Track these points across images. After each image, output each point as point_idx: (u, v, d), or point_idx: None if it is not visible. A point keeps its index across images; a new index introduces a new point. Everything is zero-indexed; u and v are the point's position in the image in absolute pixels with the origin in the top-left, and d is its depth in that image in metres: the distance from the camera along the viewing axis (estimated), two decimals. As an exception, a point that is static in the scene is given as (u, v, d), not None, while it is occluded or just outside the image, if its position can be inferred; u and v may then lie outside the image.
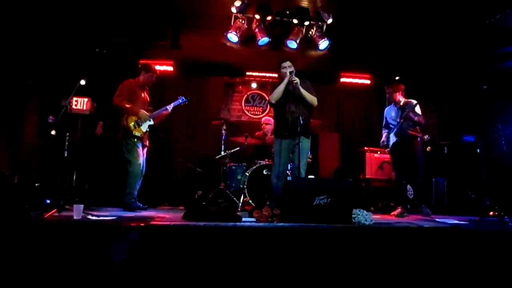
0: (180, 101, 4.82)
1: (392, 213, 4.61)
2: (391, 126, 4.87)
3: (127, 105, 4.39)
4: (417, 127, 4.74)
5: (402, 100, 4.77)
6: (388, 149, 4.98)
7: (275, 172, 4.04)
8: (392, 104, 4.90)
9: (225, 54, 6.11)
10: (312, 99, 4.12)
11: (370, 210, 4.26)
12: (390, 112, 4.93)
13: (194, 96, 7.04)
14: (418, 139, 4.76)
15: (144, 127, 4.48)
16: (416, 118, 4.55)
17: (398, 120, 4.70)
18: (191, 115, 6.91)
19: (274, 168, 4.07)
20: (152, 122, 4.56)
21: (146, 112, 4.49)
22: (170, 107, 4.67)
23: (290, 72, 4.04)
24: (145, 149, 4.62)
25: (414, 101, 4.66)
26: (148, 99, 4.75)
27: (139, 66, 4.95)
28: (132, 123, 4.40)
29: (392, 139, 4.79)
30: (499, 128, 4.21)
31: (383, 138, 5.00)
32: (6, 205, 2.72)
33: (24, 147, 5.72)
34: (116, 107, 4.40)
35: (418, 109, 4.67)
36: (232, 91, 7.30)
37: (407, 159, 4.68)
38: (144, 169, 4.52)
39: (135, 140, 4.39)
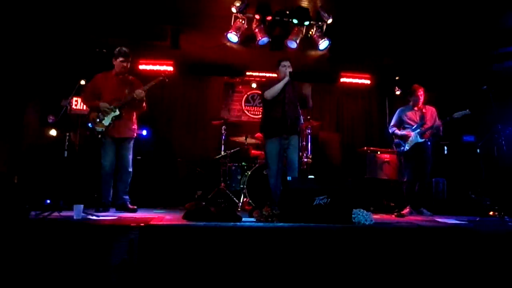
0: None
1: (401, 212, 4.64)
2: (406, 126, 4.87)
3: (87, 103, 4.22)
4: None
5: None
6: (402, 149, 4.87)
7: (272, 172, 4.03)
8: (411, 104, 4.91)
9: (225, 54, 6.10)
10: (309, 100, 4.16)
11: (370, 210, 4.26)
12: (407, 113, 4.91)
13: (194, 96, 7.07)
14: (429, 142, 4.87)
15: (107, 121, 4.11)
16: (441, 134, 4.84)
17: (421, 122, 4.77)
18: (191, 115, 6.91)
19: (271, 168, 4.06)
20: (117, 113, 4.12)
21: (106, 104, 4.09)
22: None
23: (289, 72, 4.04)
24: (125, 142, 4.25)
25: (434, 110, 4.92)
26: (128, 86, 4.25)
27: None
28: (93, 118, 4.13)
29: (415, 139, 4.76)
30: (499, 128, 4.21)
31: (405, 132, 4.88)
32: (6, 205, 2.72)
33: (24, 147, 5.72)
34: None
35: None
36: (232, 91, 7.29)
37: (423, 161, 4.74)
38: (122, 165, 4.22)
39: (99, 136, 4.11)
